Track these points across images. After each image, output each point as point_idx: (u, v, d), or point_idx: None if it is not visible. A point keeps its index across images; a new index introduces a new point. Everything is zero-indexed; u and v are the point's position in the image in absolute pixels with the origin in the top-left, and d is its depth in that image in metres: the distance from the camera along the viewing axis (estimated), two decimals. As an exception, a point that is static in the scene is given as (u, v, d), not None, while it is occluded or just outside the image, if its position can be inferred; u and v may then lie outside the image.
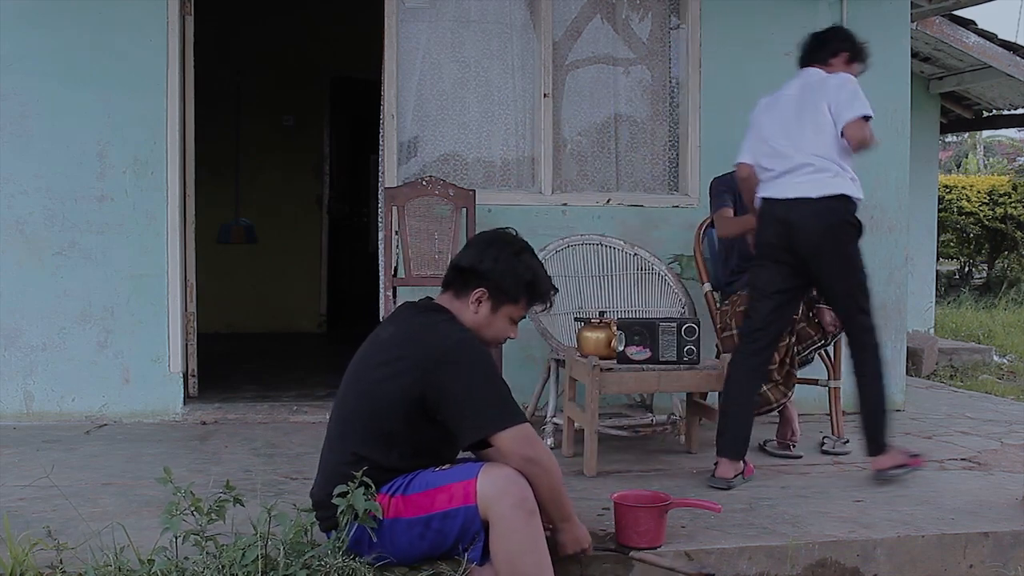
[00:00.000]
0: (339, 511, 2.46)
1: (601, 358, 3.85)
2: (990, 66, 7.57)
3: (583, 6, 5.32)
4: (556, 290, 2.80)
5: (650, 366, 3.84)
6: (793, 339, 4.25)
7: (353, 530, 2.51)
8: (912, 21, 5.91)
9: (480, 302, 2.67)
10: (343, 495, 2.45)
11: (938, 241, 10.37)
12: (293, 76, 8.26)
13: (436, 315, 2.67)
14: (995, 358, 7.89)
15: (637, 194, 5.28)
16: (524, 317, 2.79)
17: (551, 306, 2.83)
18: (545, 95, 5.16)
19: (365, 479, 2.46)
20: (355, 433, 2.60)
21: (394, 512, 2.54)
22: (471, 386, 2.53)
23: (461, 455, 2.76)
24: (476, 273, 2.67)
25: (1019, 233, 12.79)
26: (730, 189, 4.57)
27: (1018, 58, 7.63)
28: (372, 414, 2.58)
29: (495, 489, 2.48)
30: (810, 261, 3.75)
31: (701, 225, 4.78)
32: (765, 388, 4.14)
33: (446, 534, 2.54)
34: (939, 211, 10.57)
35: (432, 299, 2.77)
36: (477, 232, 3.55)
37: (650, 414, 4.51)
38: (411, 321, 2.69)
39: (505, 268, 2.67)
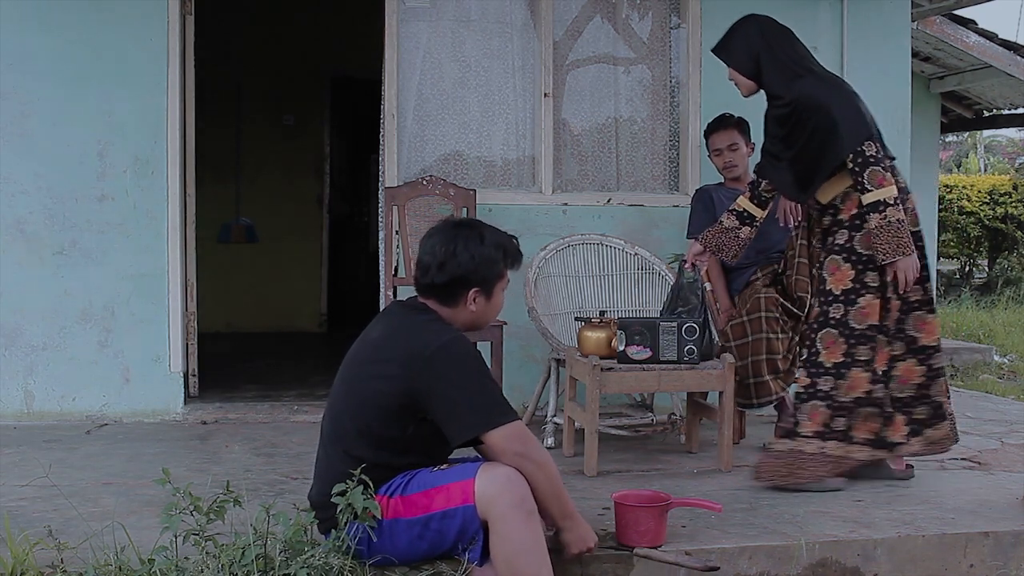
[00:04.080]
0: (338, 510, 2.45)
1: (601, 357, 3.84)
2: (990, 65, 7.58)
3: (583, 5, 5.31)
4: (516, 238, 2.78)
5: (650, 366, 3.83)
6: (796, 338, 4.25)
7: (353, 530, 2.51)
8: (912, 21, 5.92)
9: (476, 300, 2.68)
10: (342, 494, 2.45)
11: (938, 241, 10.37)
12: (293, 76, 8.26)
13: (424, 315, 2.66)
14: (995, 358, 7.88)
15: (637, 194, 5.27)
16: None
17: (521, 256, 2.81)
18: (545, 95, 5.16)
19: (364, 477, 2.45)
20: (346, 432, 2.60)
21: (393, 513, 2.54)
22: (461, 387, 2.53)
23: (461, 453, 2.75)
24: (460, 281, 2.65)
25: (1020, 233, 12.78)
26: (708, 207, 4.59)
27: (1018, 57, 7.64)
28: (362, 413, 2.58)
29: (493, 489, 2.47)
30: None
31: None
32: (767, 378, 4.14)
33: (445, 534, 2.53)
34: (939, 211, 10.57)
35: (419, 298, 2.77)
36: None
37: (651, 414, 4.51)
38: (400, 321, 2.68)
39: (481, 260, 2.65)
